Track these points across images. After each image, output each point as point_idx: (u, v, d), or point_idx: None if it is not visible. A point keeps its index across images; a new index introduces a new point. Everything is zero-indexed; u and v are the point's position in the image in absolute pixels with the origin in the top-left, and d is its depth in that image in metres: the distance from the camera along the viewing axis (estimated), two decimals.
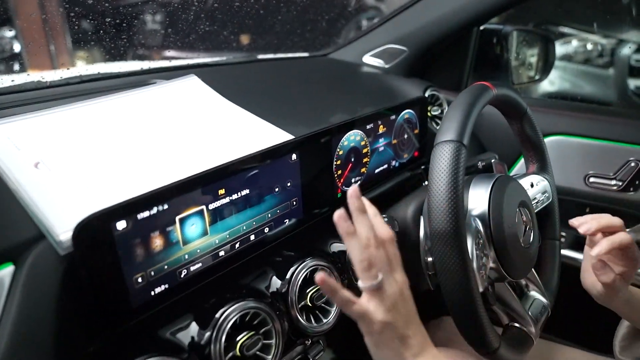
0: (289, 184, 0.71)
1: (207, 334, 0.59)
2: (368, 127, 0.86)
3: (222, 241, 0.63)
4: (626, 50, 2.05)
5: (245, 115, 0.83)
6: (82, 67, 0.96)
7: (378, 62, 1.37)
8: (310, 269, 0.70)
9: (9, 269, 0.50)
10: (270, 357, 0.63)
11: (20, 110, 0.69)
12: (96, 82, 0.89)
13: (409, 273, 0.84)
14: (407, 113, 0.96)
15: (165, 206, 0.55)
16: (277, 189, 0.70)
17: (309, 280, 0.70)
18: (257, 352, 0.61)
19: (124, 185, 0.60)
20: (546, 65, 1.60)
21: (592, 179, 1.19)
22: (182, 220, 0.57)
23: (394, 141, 0.94)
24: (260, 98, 0.96)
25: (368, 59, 1.38)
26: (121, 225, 0.51)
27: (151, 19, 1.54)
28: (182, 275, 0.59)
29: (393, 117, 0.92)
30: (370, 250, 0.52)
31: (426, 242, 0.78)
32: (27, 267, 0.51)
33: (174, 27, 1.47)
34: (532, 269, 0.87)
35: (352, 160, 0.84)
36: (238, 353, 0.59)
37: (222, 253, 0.64)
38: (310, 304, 0.69)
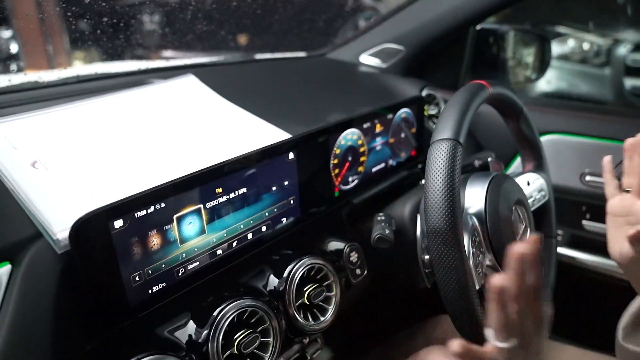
0: (286, 183, 0.71)
1: (205, 332, 0.59)
2: (365, 126, 0.86)
3: (220, 240, 0.63)
4: (622, 50, 2.05)
5: (243, 114, 0.84)
6: (80, 67, 0.97)
7: (375, 62, 1.37)
8: (308, 267, 0.70)
9: (6, 268, 0.50)
10: (267, 355, 0.63)
11: (18, 110, 0.69)
12: (93, 82, 0.89)
13: (406, 271, 0.85)
14: (404, 112, 0.96)
15: (163, 205, 0.55)
16: (274, 188, 0.70)
17: (306, 279, 0.70)
18: (255, 350, 0.61)
19: (122, 184, 0.60)
20: (542, 64, 1.60)
21: (588, 177, 1.19)
22: (179, 219, 0.58)
23: (391, 140, 0.94)
24: (257, 97, 0.96)
25: (365, 58, 1.39)
26: (118, 223, 0.52)
27: (149, 19, 1.54)
28: (179, 274, 0.59)
29: (390, 116, 0.92)
30: (512, 308, 0.46)
31: (423, 240, 0.79)
32: (25, 266, 0.51)
33: (171, 27, 1.47)
34: None
35: (349, 159, 0.84)
36: (235, 351, 0.60)
37: (219, 252, 0.64)
38: (307, 302, 0.70)
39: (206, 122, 0.80)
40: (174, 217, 0.57)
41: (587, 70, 2.31)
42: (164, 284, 0.58)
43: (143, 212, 0.54)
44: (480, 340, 0.66)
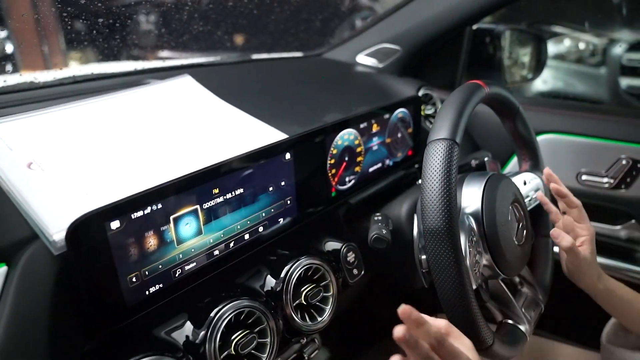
0: (283, 183, 0.71)
1: (202, 332, 0.59)
2: (362, 126, 0.86)
3: (217, 240, 0.63)
4: (617, 50, 2.06)
5: (239, 115, 0.84)
6: (76, 68, 0.96)
7: (372, 62, 1.37)
8: (305, 267, 0.70)
9: (2, 270, 0.50)
10: (265, 355, 0.63)
11: (13, 111, 0.69)
12: (89, 82, 0.89)
13: (403, 271, 0.85)
14: (400, 112, 0.96)
15: (159, 206, 0.55)
16: (271, 188, 0.70)
17: (303, 279, 0.70)
18: (252, 351, 0.61)
19: (118, 185, 0.60)
20: (538, 64, 1.60)
21: (584, 177, 1.20)
22: (176, 220, 0.58)
23: (388, 140, 0.94)
24: (254, 98, 0.96)
25: (362, 58, 1.39)
26: (115, 224, 0.51)
27: (145, 19, 1.54)
28: (176, 275, 0.59)
29: (386, 116, 0.93)
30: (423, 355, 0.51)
31: (420, 240, 0.79)
32: (21, 268, 0.51)
33: (167, 27, 1.46)
34: (526, 266, 0.88)
35: (346, 159, 0.84)
36: (233, 352, 0.59)
37: (216, 252, 0.64)
38: (304, 302, 0.69)
39: (203, 122, 0.79)
40: (171, 217, 0.57)
41: (583, 69, 2.32)
42: (161, 285, 0.58)
43: (140, 213, 0.54)
44: (478, 339, 0.66)
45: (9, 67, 1.20)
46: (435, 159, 0.63)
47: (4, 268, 0.51)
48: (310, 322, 0.70)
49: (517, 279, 0.90)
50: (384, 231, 0.78)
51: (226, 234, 0.64)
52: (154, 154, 0.68)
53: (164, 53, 1.47)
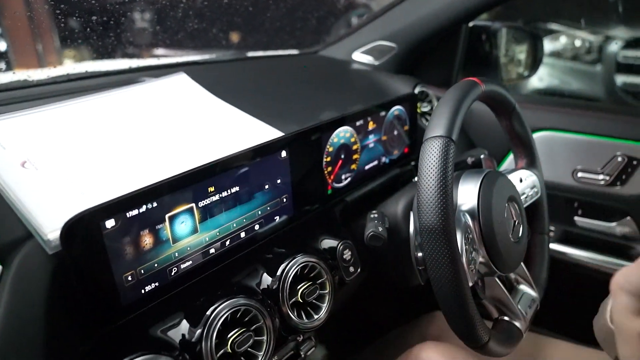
0: (279, 181, 0.71)
1: (198, 331, 0.59)
2: (358, 123, 0.86)
3: (213, 239, 0.63)
4: (613, 47, 2.06)
5: (235, 113, 0.83)
6: (70, 66, 0.96)
7: (368, 59, 1.37)
8: (301, 265, 0.70)
9: None
10: (261, 353, 0.63)
11: (6, 109, 0.69)
12: (84, 80, 0.89)
13: (399, 269, 0.85)
14: (396, 109, 0.96)
15: (155, 204, 0.55)
16: (267, 186, 0.70)
17: (299, 277, 0.70)
18: (249, 349, 0.61)
19: (113, 184, 0.60)
20: (534, 61, 1.61)
21: (580, 174, 1.20)
22: (171, 218, 0.57)
23: (384, 138, 0.94)
24: (250, 96, 0.96)
25: (358, 55, 1.39)
26: (110, 223, 0.51)
27: (139, 16, 1.53)
28: (172, 273, 0.59)
29: (383, 113, 0.92)
30: None
31: (416, 238, 0.79)
32: (15, 267, 0.51)
33: (162, 25, 1.46)
34: (522, 263, 0.88)
35: (342, 157, 0.84)
36: (229, 350, 0.59)
37: (212, 251, 0.63)
38: (301, 300, 0.69)
39: (198, 120, 0.79)
40: (166, 216, 0.57)
41: (578, 67, 2.32)
42: (156, 284, 0.57)
43: (135, 212, 0.53)
44: (475, 336, 0.66)
45: (2, 65, 1.19)
46: (431, 156, 0.63)
47: None
48: (306, 320, 0.70)
49: (513, 276, 0.90)
50: (380, 229, 0.78)
51: (222, 232, 0.64)
52: (149, 152, 0.68)
53: (159, 51, 1.46)
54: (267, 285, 0.69)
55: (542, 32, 2.07)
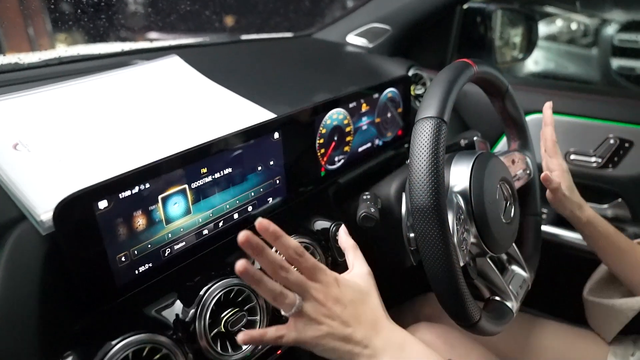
0: (272, 163, 0.72)
1: (192, 311, 0.59)
2: (351, 105, 0.86)
3: (206, 220, 0.64)
4: (609, 30, 2.06)
5: (228, 95, 0.83)
6: (62, 49, 0.95)
7: (362, 42, 1.36)
8: None
9: None
10: None
11: None
12: (76, 63, 0.88)
13: (392, 250, 0.86)
14: (390, 92, 0.96)
15: (147, 185, 0.55)
16: (260, 168, 0.70)
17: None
18: (242, 328, 0.62)
19: (105, 165, 0.60)
20: (529, 44, 1.60)
21: (572, 156, 1.21)
22: (164, 199, 0.58)
23: (377, 120, 0.94)
24: (243, 78, 0.96)
25: (352, 38, 1.38)
26: (103, 204, 0.51)
27: None
28: (166, 254, 0.59)
29: (376, 95, 0.92)
30: (279, 278, 0.52)
31: (408, 219, 0.79)
32: (9, 249, 0.51)
33: (155, 8, 1.44)
34: (514, 244, 0.89)
35: (335, 139, 0.84)
36: (223, 329, 0.60)
37: (205, 232, 0.64)
38: None
39: (191, 102, 0.79)
40: (159, 197, 0.57)
41: (574, 50, 2.32)
42: (150, 264, 0.58)
43: (127, 193, 0.54)
44: (466, 315, 0.67)
45: None
46: (422, 137, 0.63)
47: None
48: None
49: (504, 257, 0.91)
50: (372, 209, 0.78)
51: (215, 214, 0.65)
52: (141, 134, 0.68)
53: (152, 34, 1.45)
54: (260, 266, 0.69)
55: (537, 14, 2.06)
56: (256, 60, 1.10)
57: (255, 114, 0.78)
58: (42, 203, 0.52)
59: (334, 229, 0.78)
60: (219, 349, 0.60)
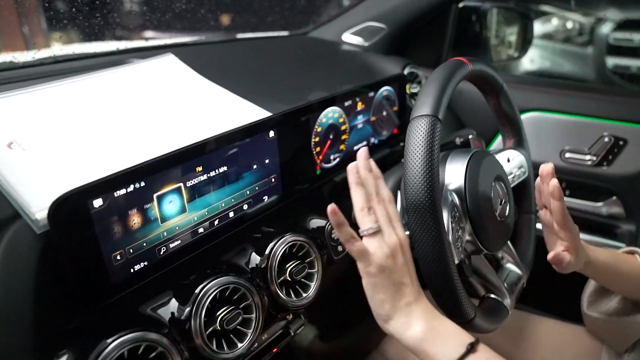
0: (267, 161, 0.72)
1: (187, 309, 0.59)
2: (346, 104, 0.86)
3: (201, 218, 0.64)
4: (604, 29, 2.06)
5: (223, 93, 0.83)
6: (57, 48, 0.95)
7: (358, 40, 1.36)
8: (290, 244, 0.70)
9: None
10: (250, 331, 0.63)
11: None
12: (71, 62, 0.88)
13: None
14: (385, 90, 0.96)
15: (142, 183, 0.55)
16: (255, 166, 0.70)
17: (288, 256, 0.71)
18: (238, 327, 0.62)
19: (101, 164, 0.60)
20: (524, 43, 1.61)
21: (567, 154, 1.21)
22: (159, 198, 0.58)
23: (373, 118, 0.94)
24: (238, 77, 0.95)
25: (348, 37, 1.38)
26: (98, 202, 0.51)
27: None
28: (161, 253, 0.59)
29: (371, 94, 0.93)
30: (371, 202, 0.59)
31: (403, 217, 0.80)
32: (3, 247, 0.51)
33: (150, 6, 1.44)
34: (509, 242, 0.89)
35: (331, 137, 0.84)
36: (218, 327, 0.60)
37: (201, 230, 0.64)
38: (289, 279, 0.70)
39: (186, 101, 0.79)
40: (154, 195, 0.57)
41: (570, 49, 2.32)
42: (145, 263, 0.58)
43: (122, 191, 0.54)
44: (461, 312, 0.68)
45: None
46: (417, 135, 0.64)
47: None
48: (295, 298, 0.71)
49: (500, 255, 0.92)
50: None
51: (210, 212, 0.65)
52: (136, 132, 0.68)
53: (147, 33, 1.44)
54: (256, 264, 0.69)
55: (533, 13, 2.06)
56: (252, 59, 1.10)
57: (250, 113, 0.78)
58: (36, 201, 0.52)
59: (329, 227, 0.79)
60: (214, 347, 0.60)
